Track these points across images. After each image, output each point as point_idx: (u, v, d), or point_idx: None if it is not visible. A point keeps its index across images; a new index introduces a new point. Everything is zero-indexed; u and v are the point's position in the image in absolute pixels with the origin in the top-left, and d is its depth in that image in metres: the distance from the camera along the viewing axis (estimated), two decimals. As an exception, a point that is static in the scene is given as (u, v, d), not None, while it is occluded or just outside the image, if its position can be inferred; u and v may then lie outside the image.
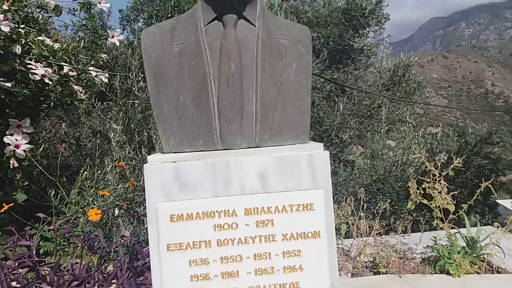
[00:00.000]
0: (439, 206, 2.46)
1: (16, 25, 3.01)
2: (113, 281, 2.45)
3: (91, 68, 3.55)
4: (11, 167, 2.92)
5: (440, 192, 2.47)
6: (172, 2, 5.76)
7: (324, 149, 1.67)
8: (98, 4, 3.43)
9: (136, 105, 3.63)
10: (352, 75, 8.06)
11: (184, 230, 1.56)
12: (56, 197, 2.77)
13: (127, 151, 3.42)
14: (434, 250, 2.57)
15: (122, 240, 2.80)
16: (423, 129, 7.70)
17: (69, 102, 3.51)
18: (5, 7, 2.80)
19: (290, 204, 1.60)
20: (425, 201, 2.51)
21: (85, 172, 2.84)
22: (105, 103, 4.77)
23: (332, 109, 7.43)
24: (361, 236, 2.72)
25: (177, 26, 1.69)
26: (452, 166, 2.57)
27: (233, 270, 1.58)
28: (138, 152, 3.77)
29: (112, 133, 3.30)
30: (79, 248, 2.65)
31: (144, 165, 1.59)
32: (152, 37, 1.71)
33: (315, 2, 7.74)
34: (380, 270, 2.54)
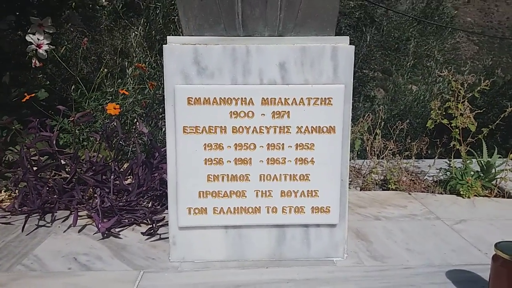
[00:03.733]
0: (458, 127, 2.41)
1: None
2: (128, 176, 2.54)
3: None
4: (33, 66, 2.94)
5: (462, 115, 2.41)
6: None
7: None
8: None
9: (158, 10, 3.54)
10: (384, 3, 7.67)
11: (200, 113, 1.56)
12: (76, 91, 2.80)
13: (146, 56, 3.39)
14: (448, 173, 2.57)
15: (139, 140, 2.86)
16: (450, 67, 7.41)
17: (90, 4, 3.44)
18: None
19: (308, 97, 1.58)
20: (445, 121, 2.46)
21: (105, 70, 2.84)
22: (126, 21, 4.67)
23: (359, 40, 7.17)
24: (375, 156, 2.73)
25: None
26: (478, 88, 2.49)
27: (246, 157, 1.60)
28: (158, 61, 3.73)
29: (133, 33, 3.25)
30: (97, 142, 2.71)
31: (164, 45, 1.56)
32: None
33: None
34: (390, 186, 2.57)
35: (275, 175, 1.62)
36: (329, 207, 1.65)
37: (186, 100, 1.56)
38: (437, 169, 2.67)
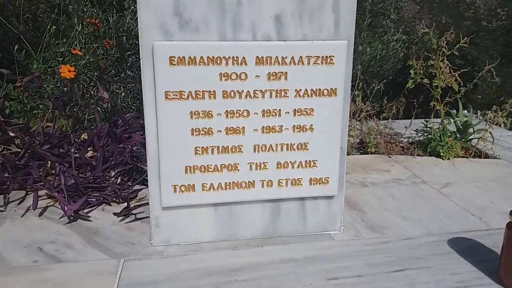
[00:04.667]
0: (441, 86, 2.34)
1: None
2: (89, 148, 2.25)
3: None
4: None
5: (442, 73, 2.34)
6: None
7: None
8: None
9: None
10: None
11: (185, 76, 1.34)
12: (21, 52, 2.42)
13: (94, 12, 2.99)
14: (425, 134, 2.52)
15: (99, 105, 2.54)
16: (403, 25, 7.44)
17: None
18: None
19: (308, 56, 1.39)
20: (426, 80, 2.37)
21: (53, 27, 2.46)
22: None
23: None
24: (352, 117, 2.63)
25: None
26: (457, 45, 2.42)
27: (238, 126, 1.41)
28: (109, 17, 3.32)
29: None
30: (49, 111, 2.38)
31: (138, -9, 1.29)
32: None
33: None
34: (368, 150, 2.49)
35: (270, 145, 1.44)
36: (328, 177, 1.51)
37: (168, 60, 1.32)
38: (414, 130, 2.61)
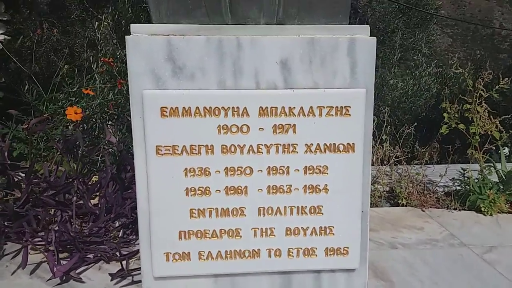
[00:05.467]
0: (480, 133, 2.09)
1: None
2: (96, 193, 2.12)
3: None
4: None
5: (480, 118, 2.09)
6: None
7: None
8: None
9: (126, -1, 3.11)
10: (365, -5, 7.37)
11: (179, 129, 1.18)
12: (32, 93, 2.35)
13: (115, 49, 2.94)
14: (462, 184, 2.25)
15: (108, 148, 2.43)
16: (436, 60, 7.18)
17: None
18: None
19: (319, 106, 1.20)
20: (461, 126, 2.13)
21: (66, 66, 2.40)
22: (92, 10, 4.20)
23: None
24: (381, 163, 2.40)
25: None
26: (497, 87, 2.17)
27: (240, 185, 1.22)
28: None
29: (96, 22, 2.80)
30: (58, 154, 2.28)
31: (127, 36, 1.16)
32: None
33: None
34: (399, 201, 2.24)
35: (278, 208, 1.24)
36: (347, 247, 1.28)
37: (159, 110, 1.16)
38: (449, 179, 2.34)
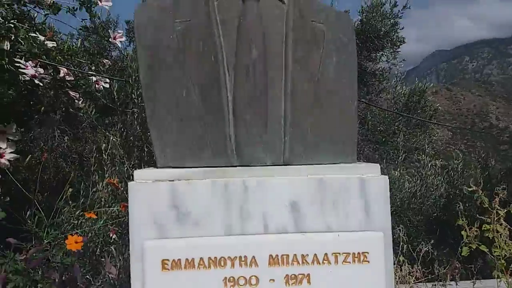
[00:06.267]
0: (505, 256, 1.94)
1: (6, 20, 2.61)
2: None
3: (91, 72, 3.11)
4: (-8, 179, 2.46)
5: (501, 236, 1.97)
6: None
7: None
8: (99, 2, 3.02)
9: (135, 115, 3.18)
10: (365, 99, 7.65)
11: (181, 283, 1.07)
12: (33, 219, 2.28)
13: (121, 166, 2.93)
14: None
15: (111, 275, 2.28)
16: (441, 159, 7.21)
17: (63, 108, 3.07)
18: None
19: (335, 252, 1.11)
20: (483, 248, 1.99)
21: (70, 189, 2.36)
22: (109, 118, 4.34)
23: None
24: (397, 283, 2.22)
25: None
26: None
27: None
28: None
29: (104, 144, 2.82)
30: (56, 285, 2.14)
31: (129, 183, 1.11)
32: (149, 11, 1.26)
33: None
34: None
35: None
36: None
37: (160, 263, 1.07)
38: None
